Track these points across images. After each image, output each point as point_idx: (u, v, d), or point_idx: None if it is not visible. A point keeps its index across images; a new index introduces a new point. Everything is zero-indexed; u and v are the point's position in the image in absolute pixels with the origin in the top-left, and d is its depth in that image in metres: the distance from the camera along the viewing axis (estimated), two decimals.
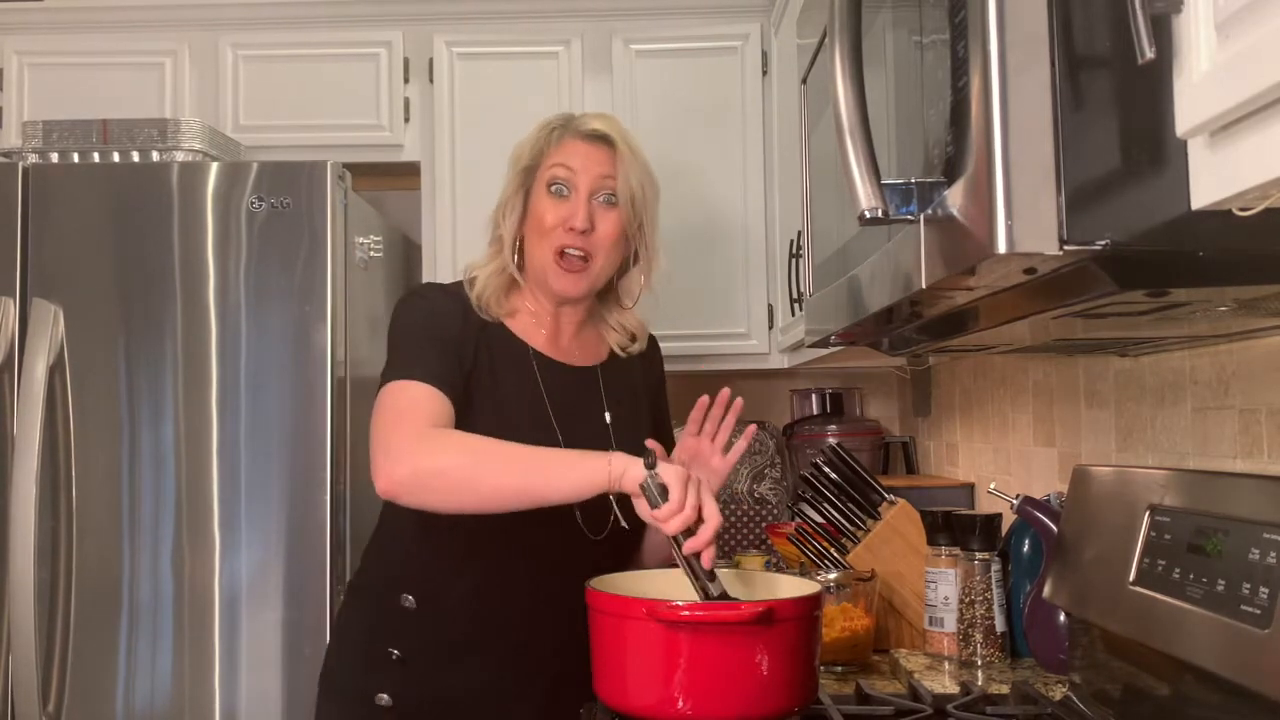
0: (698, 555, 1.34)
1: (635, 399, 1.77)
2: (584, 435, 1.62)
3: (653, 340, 1.85)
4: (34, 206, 2.13)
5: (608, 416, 1.70)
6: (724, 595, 1.35)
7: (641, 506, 1.36)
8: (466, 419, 1.54)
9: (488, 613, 1.62)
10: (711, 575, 1.35)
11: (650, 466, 1.34)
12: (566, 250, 1.62)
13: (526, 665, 1.63)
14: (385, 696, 1.60)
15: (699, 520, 1.34)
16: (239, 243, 2.13)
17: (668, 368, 2.68)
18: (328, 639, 1.95)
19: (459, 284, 1.69)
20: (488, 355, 1.62)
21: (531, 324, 1.69)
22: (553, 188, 1.63)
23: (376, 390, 1.56)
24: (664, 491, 1.33)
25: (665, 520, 1.33)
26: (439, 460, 1.44)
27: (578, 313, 1.71)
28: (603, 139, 1.65)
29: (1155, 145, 0.68)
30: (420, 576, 1.63)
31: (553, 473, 1.40)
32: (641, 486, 1.34)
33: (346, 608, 1.75)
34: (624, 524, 1.46)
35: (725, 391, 1.70)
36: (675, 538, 1.34)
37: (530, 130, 1.72)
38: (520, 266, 1.68)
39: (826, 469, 1.99)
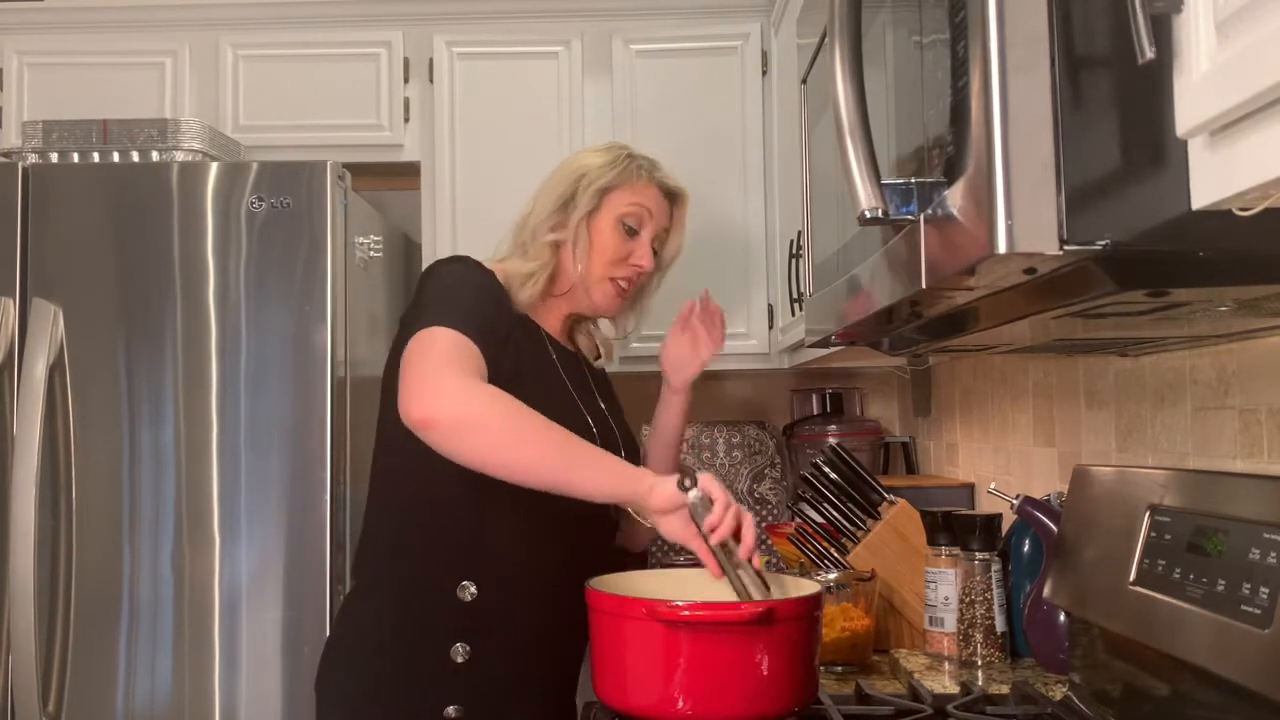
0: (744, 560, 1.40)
1: (616, 399, 1.84)
2: (594, 414, 1.68)
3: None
4: (34, 206, 2.13)
5: (602, 405, 1.74)
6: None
7: (670, 522, 1.41)
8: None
9: (534, 591, 1.58)
10: (760, 579, 1.41)
11: (689, 486, 1.39)
12: (619, 279, 1.71)
13: (557, 645, 1.62)
14: (454, 709, 1.51)
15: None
16: (239, 243, 2.13)
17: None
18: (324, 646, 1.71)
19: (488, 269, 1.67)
20: (516, 342, 1.61)
21: (546, 315, 1.73)
22: (626, 223, 1.70)
23: (395, 348, 1.55)
24: (708, 504, 1.39)
25: (716, 525, 1.38)
26: (490, 413, 1.40)
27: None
28: (676, 197, 1.77)
29: (1155, 145, 0.68)
30: (483, 561, 1.56)
31: (593, 470, 1.42)
32: (691, 505, 1.39)
33: (363, 614, 1.61)
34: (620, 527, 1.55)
35: (705, 291, 1.93)
36: (721, 549, 1.39)
37: (598, 151, 1.76)
38: (557, 272, 1.71)
39: (826, 469, 1.99)
